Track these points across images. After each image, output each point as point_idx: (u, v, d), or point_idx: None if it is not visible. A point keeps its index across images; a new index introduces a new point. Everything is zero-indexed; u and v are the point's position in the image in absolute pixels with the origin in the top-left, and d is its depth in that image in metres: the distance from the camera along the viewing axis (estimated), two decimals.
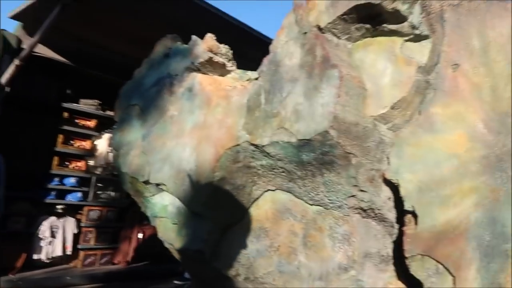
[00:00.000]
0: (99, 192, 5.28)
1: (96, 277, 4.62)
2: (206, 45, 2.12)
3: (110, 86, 4.85)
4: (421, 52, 1.41)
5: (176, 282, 4.33)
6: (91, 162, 5.30)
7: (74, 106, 5.12)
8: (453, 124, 1.29)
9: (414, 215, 1.26)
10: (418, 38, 1.41)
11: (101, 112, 5.37)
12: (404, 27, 1.39)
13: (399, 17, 1.38)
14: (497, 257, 1.10)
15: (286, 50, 1.62)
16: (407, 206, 1.28)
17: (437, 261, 1.18)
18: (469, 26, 1.34)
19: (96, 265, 5.03)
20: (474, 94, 1.28)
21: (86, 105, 5.28)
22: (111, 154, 4.89)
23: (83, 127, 5.24)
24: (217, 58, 2.10)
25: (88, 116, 5.27)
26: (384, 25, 1.43)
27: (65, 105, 5.02)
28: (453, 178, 1.23)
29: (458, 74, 1.32)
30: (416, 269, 1.22)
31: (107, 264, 5.15)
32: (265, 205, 1.75)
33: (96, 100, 5.35)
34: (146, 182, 2.10)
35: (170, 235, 2.02)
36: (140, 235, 5.22)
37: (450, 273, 1.15)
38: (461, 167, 1.23)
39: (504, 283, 1.06)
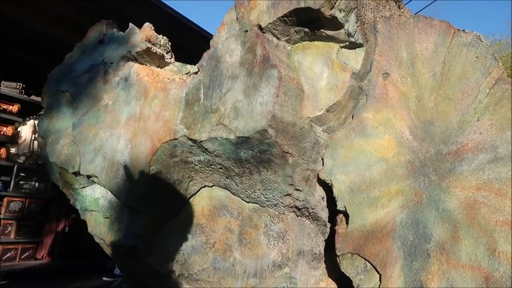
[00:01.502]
0: (21, 182, 4.91)
1: (15, 273, 4.32)
2: (144, 34, 2.04)
3: (35, 69, 4.51)
4: (355, 59, 1.47)
5: (105, 278, 4.17)
6: (13, 150, 4.92)
7: None
8: (383, 129, 1.37)
9: (346, 215, 1.33)
10: (353, 46, 1.48)
11: (25, 96, 4.98)
12: (340, 33, 1.45)
13: (336, 24, 1.43)
14: (419, 256, 1.20)
15: (227, 46, 1.61)
16: (339, 206, 1.34)
17: (366, 259, 1.26)
18: (399, 38, 1.43)
19: (16, 260, 4.70)
20: (402, 102, 1.37)
21: (8, 88, 4.86)
22: (36, 142, 4.56)
23: (5, 111, 4.82)
24: (155, 49, 2.04)
25: (10, 100, 4.86)
26: (322, 30, 1.47)
27: None
28: (382, 180, 1.32)
29: (388, 83, 1.40)
30: (346, 266, 1.28)
31: (29, 260, 4.83)
32: (202, 201, 1.75)
33: (20, 83, 4.94)
34: (76, 174, 1.99)
35: (101, 229, 1.95)
36: (67, 229, 4.95)
37: (377, 271, 1.23)
38: (389, 170, 1.32)
39: (425, 281, 1.16)
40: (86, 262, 4.75)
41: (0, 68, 4.89)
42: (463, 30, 1.31)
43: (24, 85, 5.00)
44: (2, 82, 4.87)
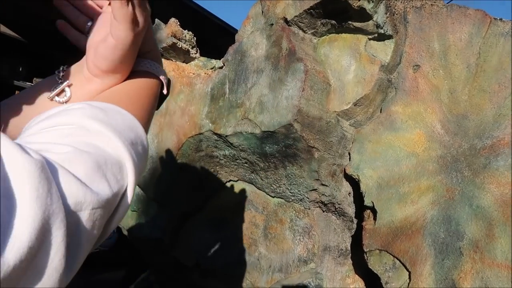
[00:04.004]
0: None
1: None
2: (170, 30, 2.05)
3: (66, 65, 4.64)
4: (384, 51, 1.43)
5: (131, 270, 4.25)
6: None
7: (27, 85, 4.86)
8: (413, 124, 1.33)
9: (373, 210, 1.30)
10: (381, 37, 1.44)
11: None
12: (368, 25, 1.41)
13: (364, 15, 1.39)
14: (451, 254, 1.16)
15: (252, 40, 1.60)
16: (367, 201, 1.32)
17: (394, 256, 1.23)
18: (431, 29, 1.38)
19: None
20: (433, 95, 1.32)
21: None
22: None
23: None
24: (180, 44, 2.05)
25: None
26: (350, 22, 1.44)
27: (17, 83, 4.77)
28: (411, 176, 1.28)
29: (418, 75, 1.36)
30: (374, 263, 1.26)
31: None
32: (227, 196, 1.75)
33: None
34: None
35: (129, 222, 1.98)
36: None
37: (406, 268, 1.20)
38: (419, 165, 1.28)
39: (457, 280, 1.12)
40: (113, 254, 4.87)
41: (32, 65, 5.05)
42: (501, 19, 1.26)
43: None
44: (35, 79, 5.04)
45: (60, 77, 0.63)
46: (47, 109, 0.51)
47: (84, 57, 0.64)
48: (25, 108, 0.61)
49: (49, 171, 0.33)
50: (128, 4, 0.57)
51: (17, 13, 4.39)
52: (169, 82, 0.73)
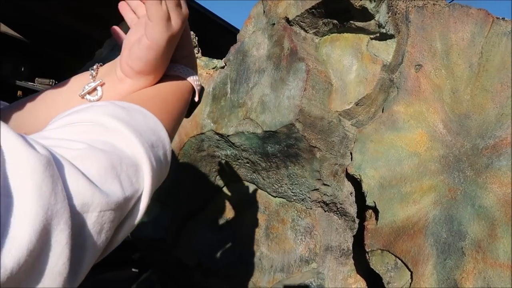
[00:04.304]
0: None
1: None
2: None
3: (67, 66, 4.64)
4: (386, 50, 1.43)
5: (134, 270, 4.26)
6: None
7: (29, 85, 4.86)
8: (415, 123, 1.33)
9: (375, 210, 1.30)
10: (383, 37, 1.43)
11: None
12: (370, 25, 1.41)
13: (366, 15, 1.39)
14: (453, 254, 1.16)
15: (254, 40, 1.60)
16: (369, 201, 1.31)
17: (396, 256, 1.23)
18: (433, 28, 1.38)
19: None
20: (435, 95, 1.32)
21: (42, 84, 5.03)
22: None
23: None
24: None
25: None
26: (351, 21, 1.44)
27: (20, 83, 4.77)
28: (414, 176, 1.28)
29: (420, 75, 1.36)
30: (376, 263, 1.26)
31: None
32: (228, 196, 1.75)
33: (53, 80, 5.11)
34: None
35: None
36: None
37: (408, 268, 1.20)
38: (421, 165, 1.28)
39: (459, 280, 1.12)
40: (115, 254, 4.87)
41: (34, 65, 5.06)
42: (503, 18, 1.25)
43: (56, 82, 5.16)
44: (36, 79, 5.05)
45: (94, 75, 0.63)
46: (76, 106, 0.50)
47: (118, 57, 0.63)
48: (54, 104, 0.61)
49: (55, 168, 0.31)
50: (161, 4, 0.56)
51: (18, 13, 4.40)
52: (202, 89, 0.72)
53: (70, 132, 0.41)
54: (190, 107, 0.68)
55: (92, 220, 0.35)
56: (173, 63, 0.65)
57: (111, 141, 0.42)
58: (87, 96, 0.60)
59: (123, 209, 0.40)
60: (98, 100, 0.60)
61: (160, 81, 0.63)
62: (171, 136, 0.56)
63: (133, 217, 0.44)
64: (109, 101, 0.49)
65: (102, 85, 0.61)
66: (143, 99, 0.57)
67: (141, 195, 0.44)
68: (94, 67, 0.64)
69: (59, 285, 0.31)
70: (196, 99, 0.69)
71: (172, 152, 1.77)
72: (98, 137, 0.41)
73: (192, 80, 0.67)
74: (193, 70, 0.68)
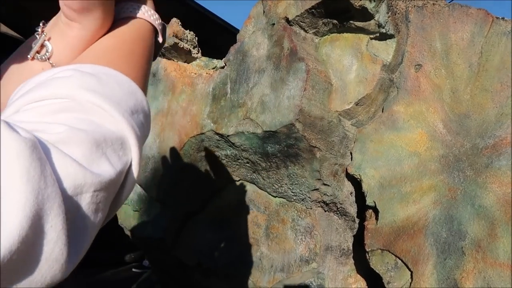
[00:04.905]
0: None
1: None
2: (171, 30, 2.06)
3: None
4: (386, 50, 1.43)
5: (134, 270, 4.26)
6: None
7: None
8: (415, 123, 1.33)
9: (375, 210, 1.30)
10: (383, 37, 1.44)
11: None
12: (370, 25, 1.41)
13: (366, 15, 1.39)
14: (453, 253, 1.16)
15: (254, 40, 1.60)
16: (369, 201, 1.32)
17: (396, 256, 1.23)
18: (432, 28, 1.38)
19: None
20: (435, 94, 1.32)
21: None
22: None
23: None
24: (182, 44, 2.05)
25: None
26: (351, 21, 1.44)
27: None
28: (413, 175, 1.28)
29: (420, 75, 1.36)
30: (376, 263, 1.26)
31: None
32: (228, 196, 1.75)
33: None
34: None
35: (131, 222, 1.99)
36: None
37: (408, 268, 1.20)
38: (421, 165, 1.28)
39: (459, 279, 1.12)
40: (116, 254, 4.87)
41: None
42: (503, 18, 1.25)
43: None
44: None
45: (39, 32, 0.55)
46: (32, 71, 0.46)
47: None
48: (11, 75, 0.55)
49: (42, 151, 0.29)
50: None
51: (18, 13, 4.39)
52: (164, 28, 0.64)
53: (43, 113, 0.38)
54: (154, 49, 0.61)
55: (86, 201, 0.34)
56: (122, 2, 0.57)
57: (90, 117, 0.40)
58: (37, 56, 0.54)
59: (116, 185, 0.40)
60: (49, 57, 0.54)
61: (115, 27, 0.55)
62: (145, 90, 0.53)
63: (126, 189, 0.43)
64: (74, 68, 0.44)
65: (49, 39, 0.54)
66: (106, 56, 0.51)
67: (130, 165, 0.43)
68: (40, 24, 0.57)
69: (57, 271, 0.30)
70: (160, 39, 0.62)
71: (172, 152, 1.78)
72: (75, 115, 0.39)
73: (150, 18, 0.59)
74: (149, 7, 0.60)
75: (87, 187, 0.34)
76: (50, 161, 0.31)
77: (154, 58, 0.61)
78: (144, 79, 0.53)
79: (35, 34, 0.55)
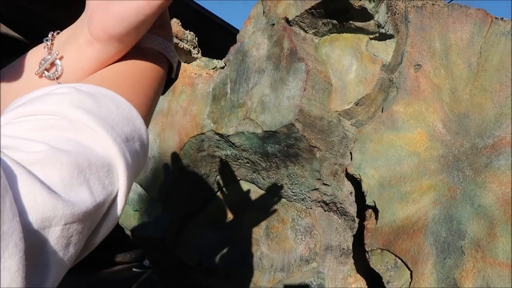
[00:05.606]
0: None
1: None
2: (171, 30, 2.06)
3: None
4: (385, 50, 1.44)
5: (135, 270, 4.26)
6: None
7: None
8: (414, 123, 1.33)
9: (375, 210, 1.30)
10: (383, 37, 1.44)
11: None
12: (370, 25, 1.41)
13: (365, 15, 1.39)
14: (452, 253, 1.16)
15: (254, 40, 1.61)
16: (369, 201, 1.32)
17: (396, 256, 1.23)
18: (432, 28, 1.38)
19: None
20: (434, 94, 1.33)
21: None
22: None
23: None
24: (182, 44, 2.05)
25: None
26: (351, 21, 1.44)
27: None
28: (413, 175, 1.28)
29: (420, 75, 1.36)
30: (375, 262, 1.26)
31: None
32: (229, 195, 1.76)
33: None
34: None
35: (131, 222, 1.99)
36: None
37: (408, 268, 1.21)
38: (421, 165, 1.28)
39: (459, 279, 1.12)
40: (116, 254, 4.87)
41: None
42: (501, 18, 1.26)
43: None
44: None
45: (48, 46, 0.51)
46: (36, 88, 0.42)
47: (82, 17, 0.51)
48: (10, 88, 0.52)
49: (4, 180, 0.26)
50: None
51: (18, 13, 4.40)
52: (179, 64, 0.61)
53: (29, 128, 0.35)
54: (165, 84, 0.59)
55: (55, 235, 0.30)
56: (147, 33, 0.54)
57: (78, 138, 0.36)
58: (45, 73, 0.50)
59: (94, 216, 0.36)
60: (59, 77, 0.50)
61: (133, 54, 0.52)
62: (147, 121, 0.50)
63: (109, 220, 0.39)
64: (73, 86, 0.41)
65: (60, 58, 0.50)
66: (113, 79, 0.49)
67: (116, 196, 0.39)
68: (49, 35, 0.52)
69: None
70: (173, 75, 0.60)
71: (173, 152, 1.78)
72: (61, 134, 0.36)
73: (169, 54, 0.57)
74: (169, 42, 0.57)
75: (57, 220, 0.30)
76: (16, 189, 0.28)
77: (163, 93, 0.59)
78: (148, 109, 0.50)
79: (45, 42, 0.52)
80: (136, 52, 0.52)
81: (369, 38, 1.46)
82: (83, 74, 0.50)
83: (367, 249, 1.28)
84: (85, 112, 0.37)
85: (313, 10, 1.47)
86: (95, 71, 0.50)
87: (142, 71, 0.52)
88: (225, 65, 1.72)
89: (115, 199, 0.39)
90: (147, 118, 0.49)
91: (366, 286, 1.38)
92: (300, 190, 1.51)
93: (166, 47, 0.56)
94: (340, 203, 1.44)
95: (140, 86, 0.50)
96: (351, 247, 1.43)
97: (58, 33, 0.53)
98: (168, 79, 0.59)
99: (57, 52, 0.50)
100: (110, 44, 0.48)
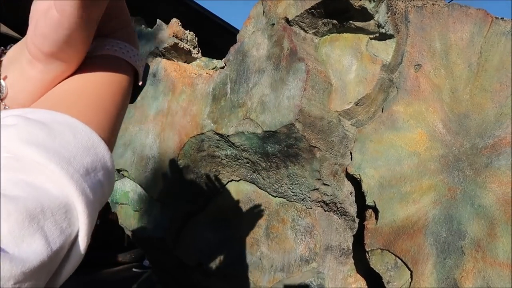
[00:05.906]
0: None
1: None
2: (172, 30, 2.06)
3: None
4: (385, 50, 1.43)
5: (135, 270, 4.27)
6: None
7: None
8: (414, 123, 1.33)
9: (375, 210, 1.30)
10: (383, 37, 1.44)
11: None
12: (370, 25, 1.41)
13: (365, 15, 1.39)
14: (452, 253, 1.16)
15: (254, 40, 1.61)
16: (369, 201, 1.32)
17: (396, 256, 1.23)
18: (432, 28, 1.38)
19: None
20: (434, 94, 1.32)
21: None
22: None
23: None
24: (182, 44, 2.05)
25: None
26: (351, 21, 1.44)
27: None
28: (413, 175, 1.28)
29: (420, 75, 1.36)
30: (375, 262, 1.26)
31: None
32: (229, 195, 1.76)
33: None
34: None
35: (131, 222, 1.99)
36: (98, 221, 5.08)
37: (408, 268, 1.20)
38: (421, 165, 1.28)
39: (459, 279, 1.12)
40: (116, 254, 4.87)
41: None
42: (502, 18, 1.26)
43: None
44: None
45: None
46: None
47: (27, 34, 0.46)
48: None
49: None
50: None
51: (19, 13, 4.40)
52: (147, 68, 0.55)
53: None
54: (133, 91, 0.53)
55: None
56: (101, 37, 0.49)
57: (28, 179, 0.32)
58: None
59: (50, 266, 0.32)
60: (3, 99, 0.45)
61: (87, 65, 0.47)
62: (112, 141, 0.45)
63: (71, 261, 0.36)
64: (22, 115, 0.37)
65: (5, 78, 0.45)
66: (66, 99, 0.44)
67: (77, 236, 0.36)
68: (0, 50, 0.48)
69: None
70: (140, 81, 0.54)
71: (173, 152, 1.78)
72: (9, 177, 0.32)
73: (132, 58, 0.51)
74: (132, 45, 0.51)
75: (5, 281, 0.27)
76: None
77: (132, 102, 0.53)
78: (112, 129, 0.45)
79: None
80: (92, 62, 0.47)
81: (369, 38, 1.46)
82: (31, 95, 0.45)
83: (367, 249, 1.28)
84: (35, 147, 0.33)
85: (313, 10, 1.47)
86: (44, 91, 0.46)
87: (100, 85, 0.46)
88: (225, 65, 1.72)
89: (75, 239, 0.35)
90: (111, 139, 0.45)
91: (366, 286, 1.38)
92: (300, 190, 1.51)
93: (128, 51, 0.50)
94: (340, 203, 1.44)
95: (99, 103, 0.45)
96: (351, 247, 1.43)
97: (11, 46, 0.49)
98: (135, 88, 0.53)
99: None
100: (50, 62, 0.44)
